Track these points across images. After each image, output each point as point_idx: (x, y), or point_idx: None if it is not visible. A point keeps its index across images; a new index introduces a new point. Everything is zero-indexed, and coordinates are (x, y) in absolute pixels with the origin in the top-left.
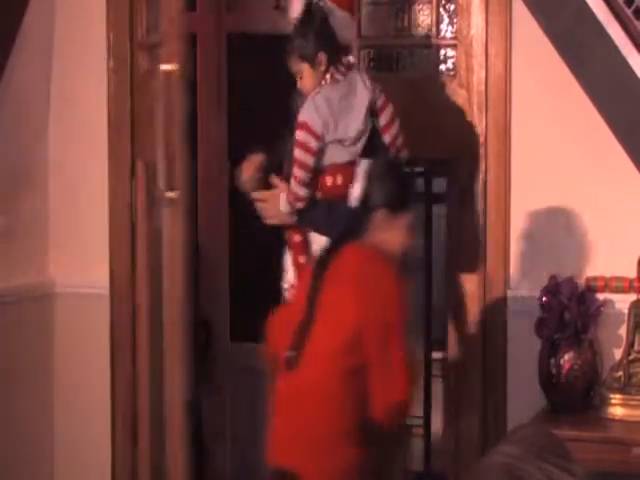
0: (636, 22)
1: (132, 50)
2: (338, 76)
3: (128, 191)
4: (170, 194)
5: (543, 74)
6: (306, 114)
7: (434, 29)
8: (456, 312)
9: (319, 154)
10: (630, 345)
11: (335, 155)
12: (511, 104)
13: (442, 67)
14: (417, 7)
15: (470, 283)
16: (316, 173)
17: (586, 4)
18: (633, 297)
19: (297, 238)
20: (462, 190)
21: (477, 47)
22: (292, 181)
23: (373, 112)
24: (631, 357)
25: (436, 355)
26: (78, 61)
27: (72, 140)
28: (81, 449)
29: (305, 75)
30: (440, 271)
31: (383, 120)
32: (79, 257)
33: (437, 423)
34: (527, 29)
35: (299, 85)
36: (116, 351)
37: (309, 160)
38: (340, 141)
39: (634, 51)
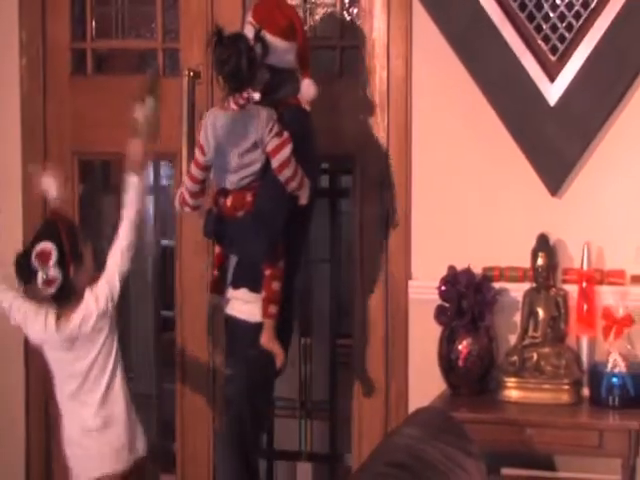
0: (529, 25)
1: (44, 51)
2: (233, 105)
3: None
4: None
5: (441, 74)
6: (200, 132)
7: (339, 32)
8: (361, 301)
9: (206, 168)
10: (524, 331)
11: (220, 178)
12: (411, 103)
13: (346, 68)
14: (322, 10)
15: (374, 274)
16: (206, 190)
17: (482, 7)
18: (527, 286)
19: (217, 249)
20: (366, 185)
21: (379, 49)
22: (183, 188)
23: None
24: (525, 342)
25: (342, 342)
26: None
27: None
28: None
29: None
30: (346, 263)
31: (275, 163)
32: None
33: (342, 406)
34: (426, 32)
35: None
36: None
37: (196, 172)
38: (220, 167)
39: (527, 52)
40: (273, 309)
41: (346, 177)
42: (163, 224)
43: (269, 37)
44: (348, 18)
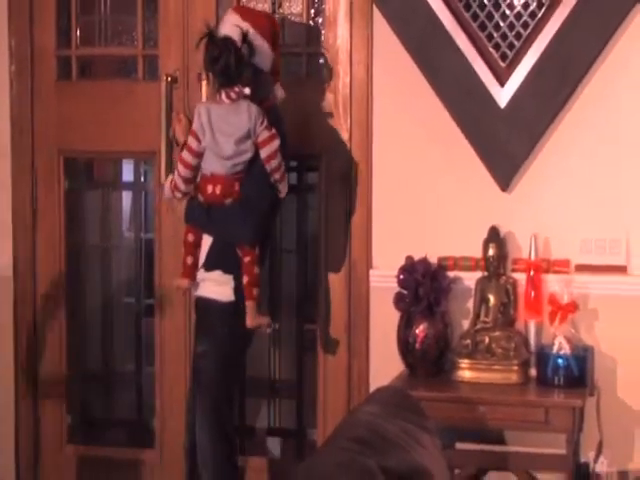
0: (480, 33)
1: (32, 57)
2: (225, 99)
3: (29, 184)
4: None
5: (400, 78)
6: (193, 121)
7: (305, 39)
8: (326, 289)
9: (199, 155)
10: (476, 316)
11: (213, 165)
12: (372, 105)
13: (312, 73)
14: (289, 19)
15: (338, 264)
16: (197, 176)
17: (437, 17)
18: (479, 274)
19: (190, 237)
20: (330, 182)
21: (342, 55)
22: (175, 174)
23: (256, 144)
24: (477, 327)
25: (308, 327)
26: None
27: None
28: None
29: (205, 83)
30: (312, 254)
31: (264, 154)
32: None
33: (308, 386)
34: (386, 39)
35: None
36: (19, 325)
37: (189, 159)
38: (216, 154)
39: (478, 58)
40: (255, 292)
41: (312, 174)
42: (141, 218)
43: (258, 39)
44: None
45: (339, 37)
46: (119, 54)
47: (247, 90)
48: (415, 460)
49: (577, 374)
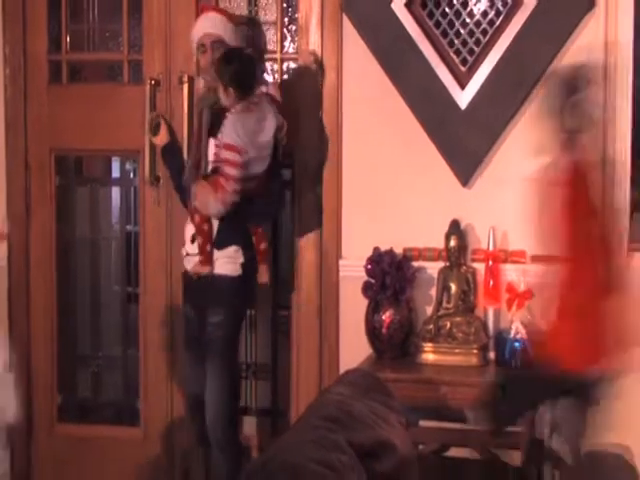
0: (442, 40)
1: (25, 62)
2: (252, 106)
3: (23, 181)
4: None
5: (368, 83)
6: (229, 137)
7: (279, 46)
8: (298, 277)
9: (246, 167)
10: (439, 303)
11: (256, 167)
12: (342, 107)
13: (285, 77)
14: (264, 27)
15: (310, 254)
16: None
17: (402, 25)
18: (441, 264)
19: (206, 226)
20: (304, 178)
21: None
22: (225, 192)
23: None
24: (440, 313)
25: (282, 313)
26: None
27: None
28: None
29: (220, 91)
30: (286, 244)
31: (284, 138)
32: None
33: (282, 369)
34: (355, 46)
35: (219, 94)
36: (13, 311)
37: (239, 173)
38: (258, 157)
39: (441, 63)
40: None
41: (286, 171)
42: (128, 212)
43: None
44: (287, 34)
45: (311, 44)
46: (106, 59)
47: (264, 88)
48: (381, 436)
49: (533, 357)
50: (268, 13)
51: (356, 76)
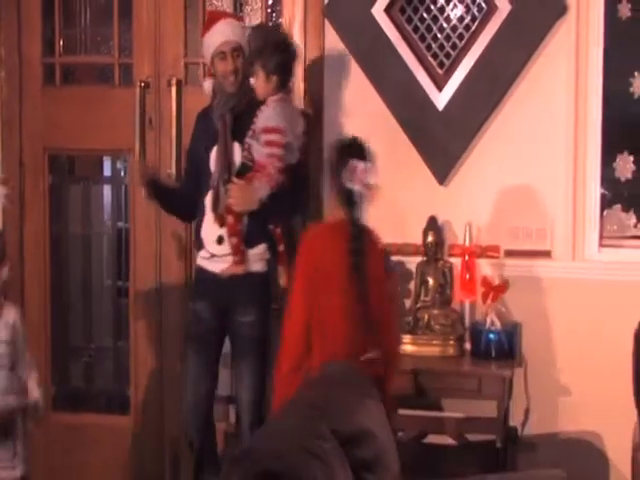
0: (421, 44)
1: (20, 65)
2: (286, 97)
3: (18, 179)
4: None
5: (350, 86)
6: (272, 121)
7: None
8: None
9: (287, 147)
10: (417, 296)
11: (289, 157)
12: (324, 107)
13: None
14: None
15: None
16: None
17: (382, 30)
18: (419, 259)
19: (240, 225)
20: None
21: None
22: (272, 171)
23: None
24: (418, 305)
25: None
26: None
27: None
28: None
29: (259, 80)
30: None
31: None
32: None
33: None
34: (337, 50)
35: (252, 82)
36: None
37: (281, 152)
38: (292, 145)
39: (419, 66)
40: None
41: None
42: (119, 209)
43: None
44: None
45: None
46: (98, 62)
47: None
48: (362, 423)
49: (507, 347)
50: (253, 18)
51: (338, 78)
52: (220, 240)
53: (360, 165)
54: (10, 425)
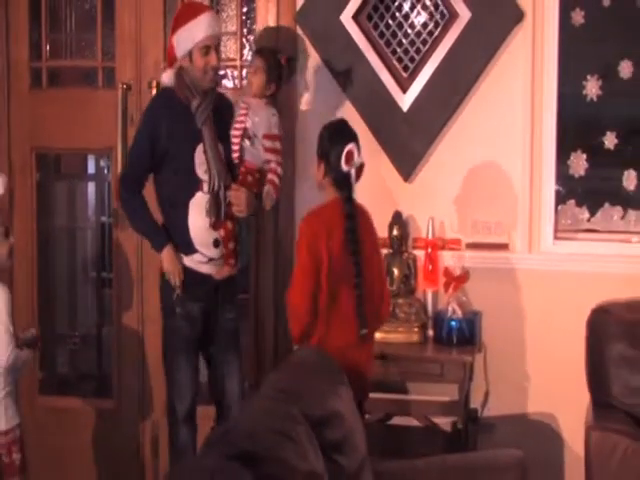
0: (386, 49)
1: (8, 68)
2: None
3: (6, 176)
4: None
5: (321, 92)
6: (274, 128)
7: (239, 54)
8: (255, 265)
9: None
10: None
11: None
12: (297, 111)
13: (244, 82)
14: (224, 38)
15: (267, 244)
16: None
17: (350, 35)
18: (385, 251)
19: (236, 231)
20: None
21: None
22: (277, 180)
23: None
24: None
25: (242, 296)
26: None
27: None
28: None
29: (258, 79)
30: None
31: None
32: None
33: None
34: (316, 67)
35: (249, 78)
36: None
37: (281, 159)
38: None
39: (385, 70)
40: None
41: None
42: (102, 204)
43: None
44: (246, 43)
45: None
46: (82, 66)
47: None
48: (332, 407)
49: (467, 334)
50: (229, 24)
51: (309, 82)
52: (217, 243)
53: (354, 148)
54: None
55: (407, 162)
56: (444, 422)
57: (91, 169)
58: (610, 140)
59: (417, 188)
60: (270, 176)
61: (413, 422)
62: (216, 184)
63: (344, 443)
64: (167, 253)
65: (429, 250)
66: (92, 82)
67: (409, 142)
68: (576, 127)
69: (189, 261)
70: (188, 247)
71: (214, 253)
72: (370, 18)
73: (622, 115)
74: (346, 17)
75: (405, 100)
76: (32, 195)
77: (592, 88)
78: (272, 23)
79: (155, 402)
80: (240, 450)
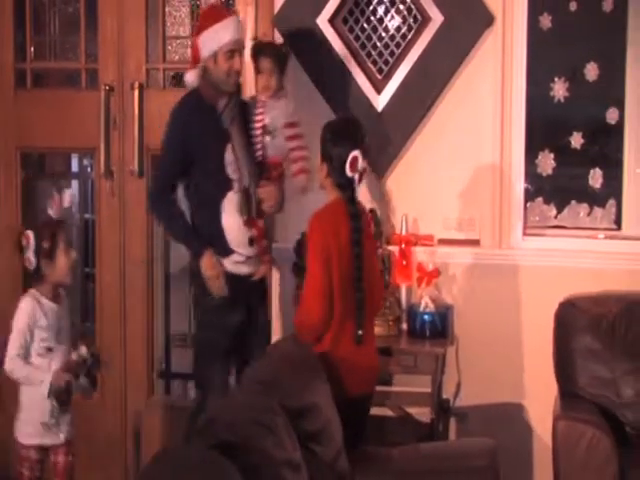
0: (362, 52)
1: None
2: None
3: None
4: None
5: (305, 102)
6: (295, 115)
7: None
8: None
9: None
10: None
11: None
12: None
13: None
14: None
15: None
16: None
17: (326, 39)
18: None
19: (261, 224)
20: None
21: (249, 73)
22: (306, 164)
23: None
24: None
25: None
26: None
27: None
28: None
29: (273, 81)
30: None
31: None
32: None
33: None
34: (293, 69)
35: (260, 81)
36: None
37: (305, 143)
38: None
39: (360, 72)
40: None
41: None
42: (86, 202)
43: None
44: None
45: (247, 62)
46: (66, 67)
47: None
48: (309, 399)
49: (440, 327)
50: None
51: (287, 84)
52: (252, 242)
53: (358, 155)
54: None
55: (382, 161)
56: (423, 412)
57: (75, 168)
58: (576, 140)
59: (391, 186)
60: (298, 165)
61: (388, 412)
62: (246, 182)
63: (321, 433)
64: (208, 257)
65: (403, 246)
66: (75, 83)
67: (383, 141)
68: (544, 127)
69: (228, 262)
70: (224, 249)
71: (250, 251)
72: (346, 21)
73: (588, 116)
74: (322, 20)
75: (380, 101)
76: (17, 193)
77: (559, 90)
78: (250, 25)
79: (136, 394)
80: (221, 440)
